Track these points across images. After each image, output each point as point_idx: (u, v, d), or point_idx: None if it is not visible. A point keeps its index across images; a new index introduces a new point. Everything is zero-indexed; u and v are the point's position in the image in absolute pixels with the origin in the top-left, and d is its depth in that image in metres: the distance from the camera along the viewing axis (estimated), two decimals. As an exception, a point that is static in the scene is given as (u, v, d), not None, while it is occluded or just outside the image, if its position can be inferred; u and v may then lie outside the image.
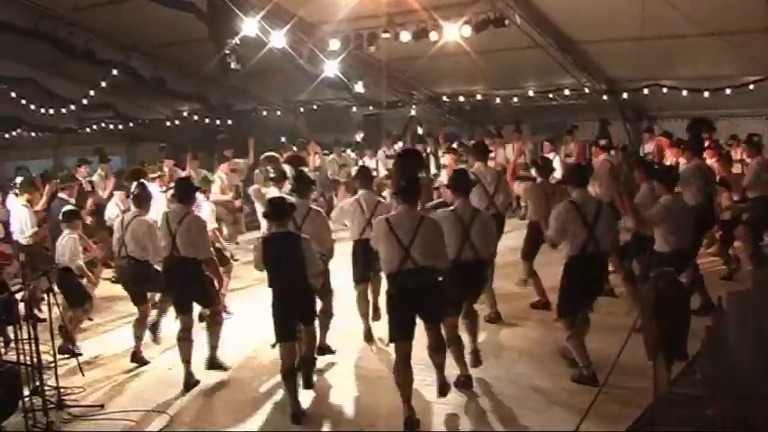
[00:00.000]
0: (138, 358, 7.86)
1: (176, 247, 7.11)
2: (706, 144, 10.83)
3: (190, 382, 7.11)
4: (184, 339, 7.22)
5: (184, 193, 7.49)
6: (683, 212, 7.60)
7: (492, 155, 12.14)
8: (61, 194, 10.36)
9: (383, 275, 6.36)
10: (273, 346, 6.41)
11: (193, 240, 7.14)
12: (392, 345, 6.13)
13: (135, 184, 8.43)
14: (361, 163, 16.00)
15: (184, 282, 7.24)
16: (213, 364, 7.48)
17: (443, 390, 6.31)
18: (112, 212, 10.23)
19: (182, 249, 7.10)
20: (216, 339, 7.51)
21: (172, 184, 9.66)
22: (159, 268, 7.70)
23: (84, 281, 8.70)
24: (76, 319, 8.52)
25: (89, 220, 11.00)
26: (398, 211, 6.10)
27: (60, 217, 8.80)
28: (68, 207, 9.12)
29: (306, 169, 9.72)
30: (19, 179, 11.80)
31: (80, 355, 7.93)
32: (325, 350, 7.68)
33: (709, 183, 8.82)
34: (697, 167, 8.78)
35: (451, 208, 6.78)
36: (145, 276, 7.82)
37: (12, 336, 6.61)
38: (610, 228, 6.79)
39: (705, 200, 8.61)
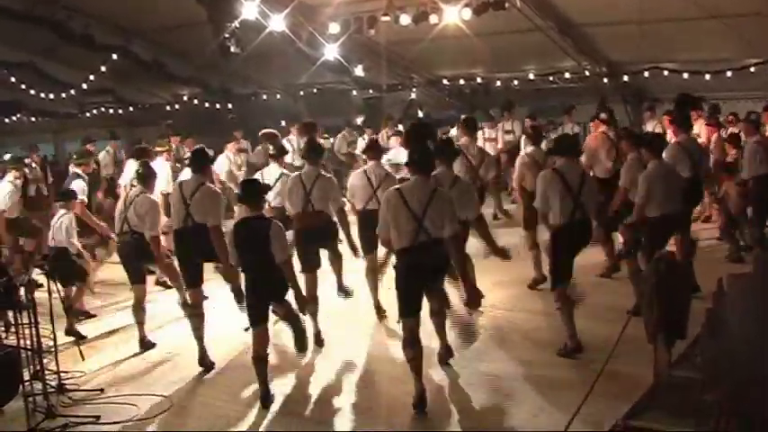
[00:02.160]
0: (145, 343, 7.75)
1: (190, 215, 7.06)
2: (696, 120, 10.77)
3: (205, 363, 7.05)
4: (195, 315, 7.13)
5: (199, 162, 7.45)
6: (669, 178, 7.56)
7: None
8: (76, 169, 10.17)
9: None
10: (247, 329, 6.39)
11: (207, 207, 7.06)
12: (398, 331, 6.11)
13: (139, 163, 8.51)
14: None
15: (196, 249, 7.13)
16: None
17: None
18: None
19: (196, 216, 7.05)
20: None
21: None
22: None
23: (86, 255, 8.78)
24: (76, 296, 8.57)
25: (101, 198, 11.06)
26: (411, 182, 5.97)
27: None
28: (65, 187, 9.28)
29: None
30: (7, 156, 11.64)
31: (84, 338, 7.95)
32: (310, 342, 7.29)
33: (695, 158, 8.61)
34: (680, 144, 8.66)
35: (433, 173, 6.71)
36: (147, 251, 7.78)
37: (12, 320, 6.61)
38: (594, 194, 6.85)
39: (692, 175, 8.50)
